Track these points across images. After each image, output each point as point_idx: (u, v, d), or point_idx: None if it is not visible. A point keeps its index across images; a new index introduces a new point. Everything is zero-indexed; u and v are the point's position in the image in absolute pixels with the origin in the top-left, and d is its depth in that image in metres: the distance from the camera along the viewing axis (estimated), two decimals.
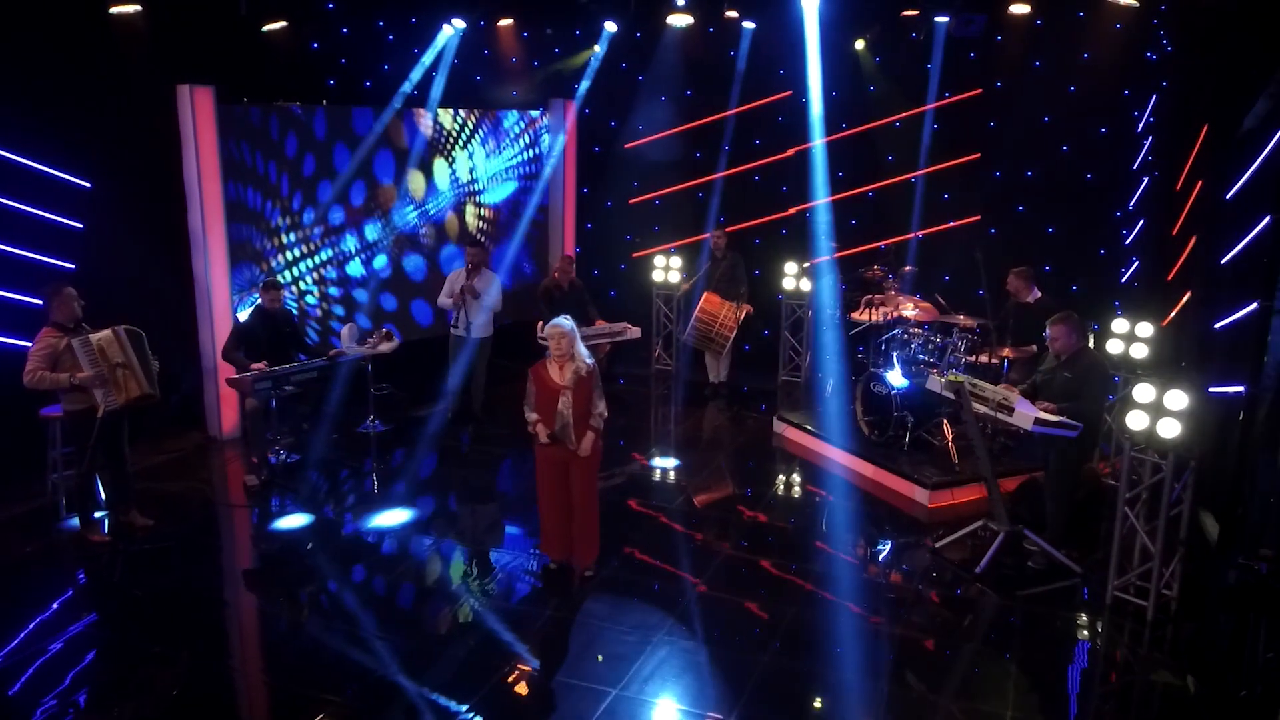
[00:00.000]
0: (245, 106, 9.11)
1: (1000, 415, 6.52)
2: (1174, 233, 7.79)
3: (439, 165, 10.82)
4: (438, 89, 10.25)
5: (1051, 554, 6.76)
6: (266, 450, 8.34)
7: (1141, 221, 9.17)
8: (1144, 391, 5.96)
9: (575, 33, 11.49)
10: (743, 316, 10.44)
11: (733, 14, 9.73)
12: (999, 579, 6.68)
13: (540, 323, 10.43)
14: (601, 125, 11.94)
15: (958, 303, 9.15)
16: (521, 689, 5.49)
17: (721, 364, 10.92)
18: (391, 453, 9.24)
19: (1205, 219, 6.12)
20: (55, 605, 6.34)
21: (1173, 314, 7.46)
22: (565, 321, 6.31)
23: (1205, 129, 6.56)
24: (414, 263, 10.82)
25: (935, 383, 7.22)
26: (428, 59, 10.02)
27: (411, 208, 10.65)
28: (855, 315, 10.03)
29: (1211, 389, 5.67)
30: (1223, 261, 5.61)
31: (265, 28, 9.30)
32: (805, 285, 10.96)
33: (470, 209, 11.29)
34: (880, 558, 7.31)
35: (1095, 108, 10.02)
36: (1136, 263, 9.23)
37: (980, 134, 10.50)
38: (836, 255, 10.38)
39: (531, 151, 11.81)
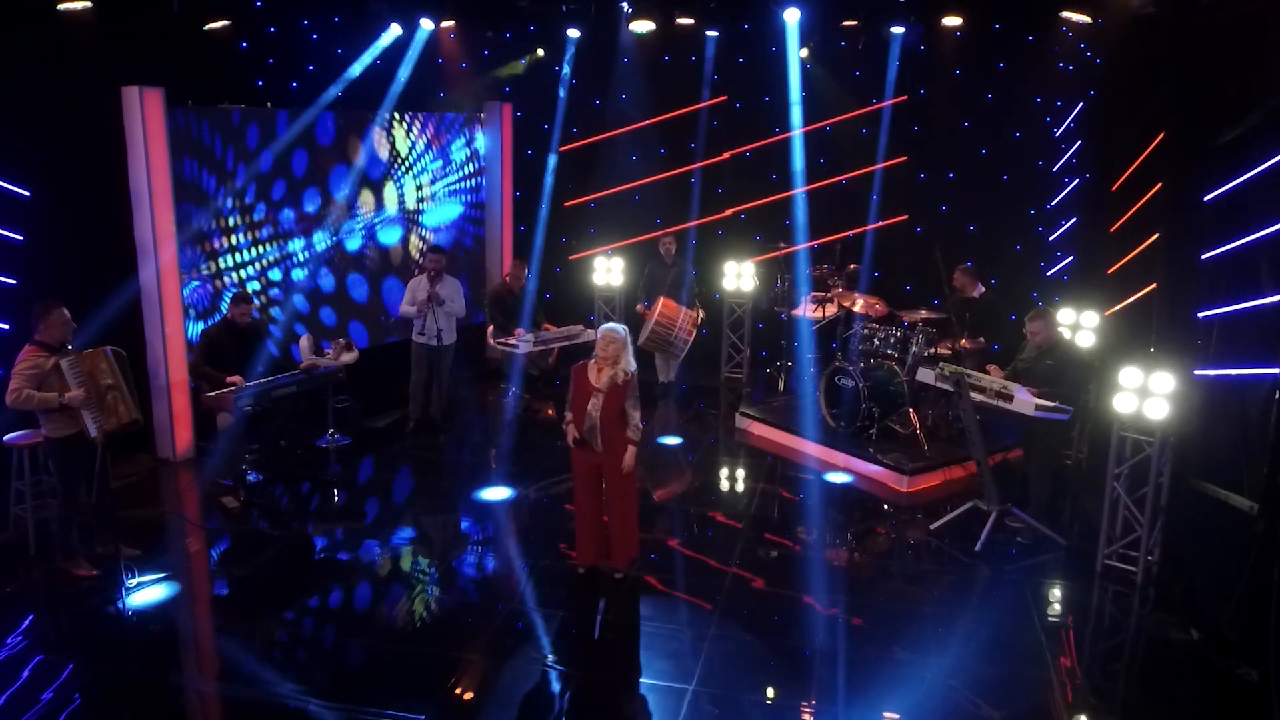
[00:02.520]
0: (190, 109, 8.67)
1: (999, 403, 7.01)
2: (1112, 230, 8.55)
3: (383, 167, 10.59)
4: (381, 90, 10.03)
5: (1038, 528, 7.34)
6: (242, 469, 7.99)
7: (1074, 219, 9.97)
8: (1131, 375, 6.59)
9: (505, 35, 11.47)
10: (698, 320, 10.67)
11: (686, 21, 9.93)
12: (994, 555, 7.19)
13: (490, 327, 10.44)
14: (534, 128, 11.95)
15: (888, 297, 9.74)
16: (602, 693, 5.54)
17: (671, 364, 11.13)
18: (364, 465, 9.00)
19: (1174, 219, 6.79)
20: (61, 648, 5.90)
21: (1119, 304, 8.20)
22: (620, 327, 6.36)
23: (1161, 136, 7.27)
24: (356, 282, 10.56)
25: (928, 375, 7.67)
26: (365, 61, 9.78)
27: (357, 215, 10.38)
28: (797, 311, 10.51)
29: (1197, 372, 6.32)
30: (1204, 257, 6.27)
31: (206, 27, 8.84)
32: (745, 285, 11.32)
33: (411, 210, 11.10)
34: (885, 543, 7.67)
35: (1010, 114, 10.83)
36: (1071, 258, 10.02)
37: (906, 138, 11.12)
38: (779, 253, 10.75)
39: (466, 152, 11.69)
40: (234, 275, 9.26)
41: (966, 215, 11.09)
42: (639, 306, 10.87)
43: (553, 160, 11.70)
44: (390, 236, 10.88)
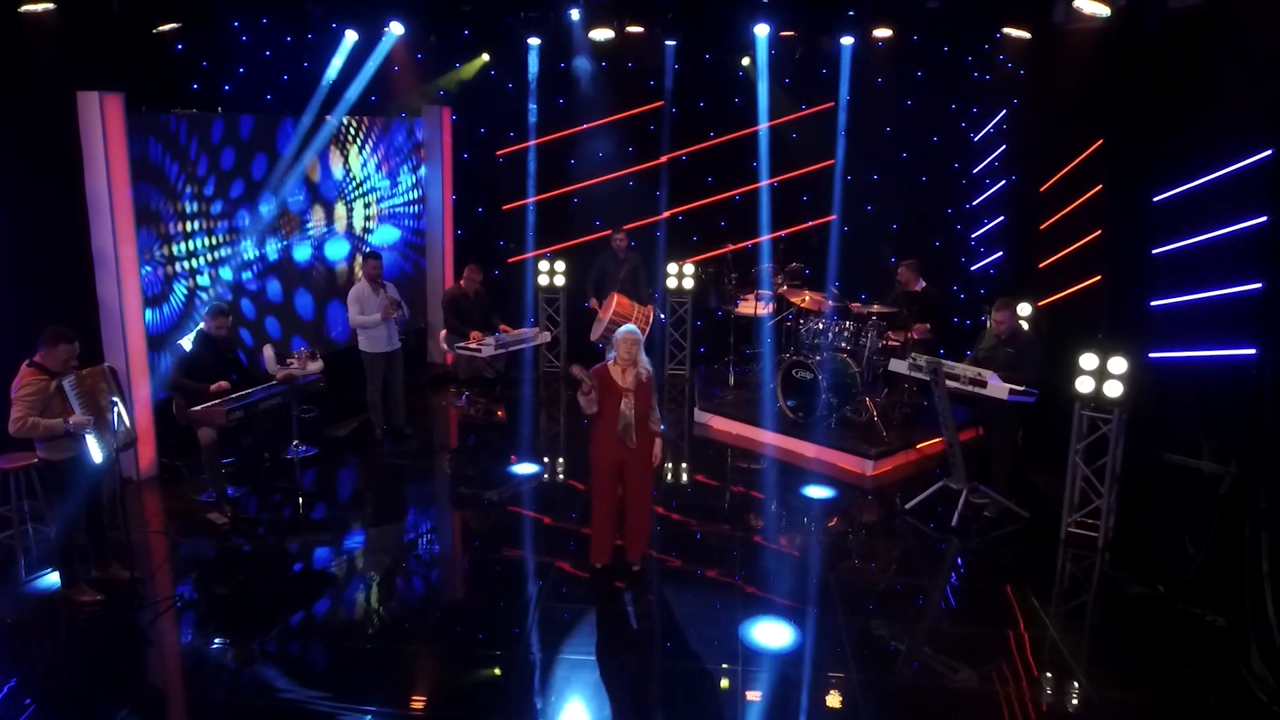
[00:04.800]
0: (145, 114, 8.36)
1: (973, 389, 7.60)
2: (1042, 228, 9.34)
3: (329, 172, 10.44)
4: (327, 95, 9.91)
5: (1003, 503, 8.00)
6: (226, 483, 7.80)
7: (1001, 218, 10.78)
8: (1089, 359, 7.30)
9: (450, 40, 11.42)
10: (650, 317, 10.94)
11: (636, 29, 10.19)
12: (967, 529, 7.81)
13: (444, 331, 10.44)
14: (470, 132, 11.99)
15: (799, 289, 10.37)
16: (674, 681, 5.76)
17: None
18: (341, 476, 8.96)
19: (1121, 218, 7.55)
20: (93, 686, 5.70)
21: (1056, 296, 8.98)
22: (635, 329, 6.59)
23: (1100, 143, 8.04)
24: (302, 292, 10.38)
25: (900, 365, 8.21)
26: (334, 67, 9.71)
27: (306, 221, 10.22)
28: (745, 309, 10.96)
29: (1151, 355, 7.07)
30: (1154, 253, 7.02)
31: (155, 31, 8.54)
32: (686, 284, 11.71)
33: (359, 216, 10.98)
34: (866, 523, 8.14)
35: (927, 120, 11.59)
36: (1001, 253, 10.82)
37: (833, 142, 11.71)
38: (725, 250, 11.20)
39: (403, 155, 11.64)
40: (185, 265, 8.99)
41: (890, 215, 11.80)
42: (592, 301, 11.09)
43: (532, 161, 11.89)
44: (337, 247, 10.75)
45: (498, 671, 5.76)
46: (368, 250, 10.77)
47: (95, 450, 6.16)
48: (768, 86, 10.94)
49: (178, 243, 8.77)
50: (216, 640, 6.10)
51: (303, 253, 10.28)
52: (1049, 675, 5.86)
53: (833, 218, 11.84)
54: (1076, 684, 5.77)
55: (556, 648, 6.00)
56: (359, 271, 10.15)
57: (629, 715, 5.44)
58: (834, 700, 5.53)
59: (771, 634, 6.19)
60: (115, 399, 6.26)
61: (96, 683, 5.63)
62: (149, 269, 8.45)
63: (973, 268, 11.40)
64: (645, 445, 6.69)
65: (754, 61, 10.87)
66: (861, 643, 6.12)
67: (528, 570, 7.14)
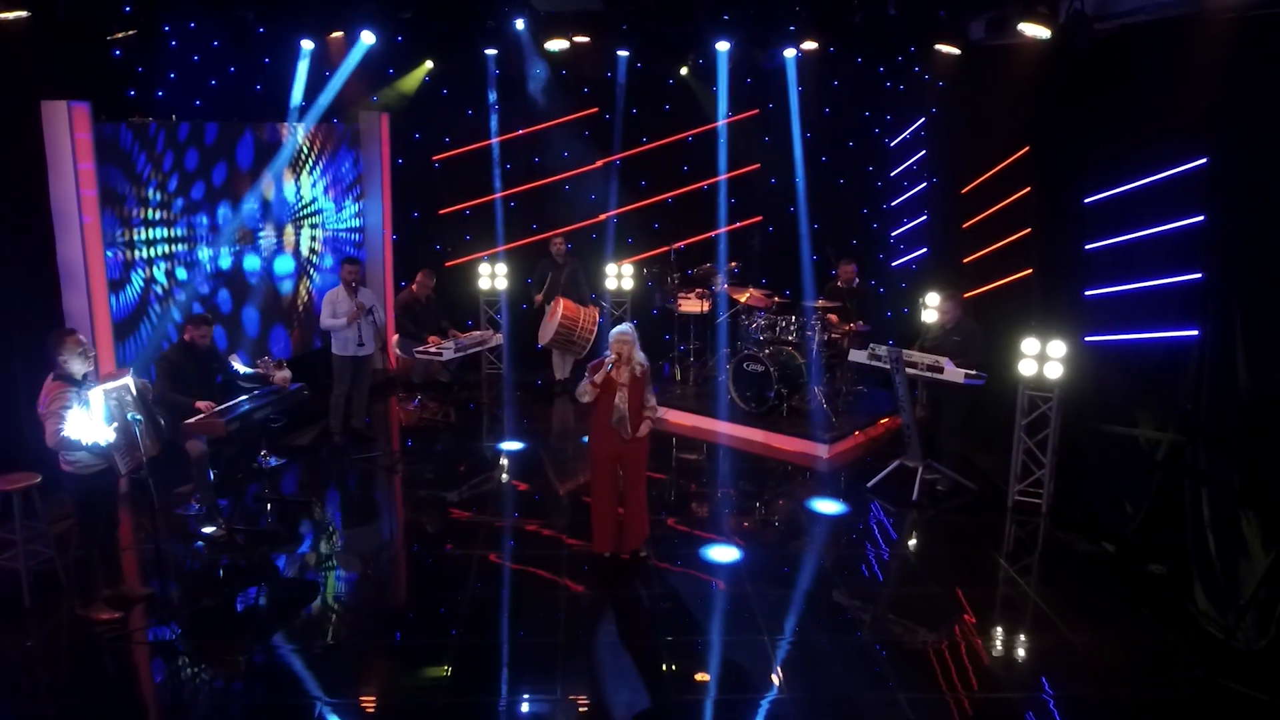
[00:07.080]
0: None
1: (930, 374, 8.33)
2: (965, 227, 10.22)
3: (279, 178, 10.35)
4: (279, 103, 9.88)
5: (954, 477, 8.78)
6: (215, 495, 7.74)
7: (923, 217, 11.64)
8: (1030, 344, 8.15)
9: (362, 33, 11.38)
10: (596, 319, 11.28)
11: (582, 39, 10.50)
12: (924, 502, 8.55)
13: (395, 336, 10.53)
14: (405, 137, 12.03)
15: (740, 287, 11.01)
16: (699, 658, 6.18)
17: (567, 362, 11.69)
18: (319, 482, 9.01)
19: (1052, 217, 8.42)
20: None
21: (983, 288, 9.84)
22: (628, 328, 6.98)
23: (1026, 149, 8.92)
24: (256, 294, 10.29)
25: (860, 355, 8.87)
26: (300, 77, 9.73)
27: (259, 228, 10.13)
28: (690, 307, 11.45)
29: (1087, 339, 7.95)
30: (1088, 248, 7.89)
31: (109, 38, 8.35)
32: (626, 284, 12.12)
33: (305, 226, 10.91)
34: (839, 505, 8.67)
35: (843, 126, 12.39)
36: (925, 250, 11.68)
37: (758, 147, 12.36)
38: (666, 249, 11.68)
39: (347, 163, 11.62)
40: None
41: (811, 214, 12.50)
42: (537, 297, 11.41)
43: (470, 165, 12.07)
44: (285, 262, 10.68)
45: (537, 660, 6.06)
46: (346, 256, 10.73)
47: (121, 465, 6.12)
48: (721, 95, 11.50)
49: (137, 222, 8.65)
50: (253, 651, 6.16)
51: (251, 262, 10.19)
52: (1029, 623, 6.62)
53: (759, 219, 12.54)
54: (1055, 630, 6.51)
55: (581, 634, 6.35)
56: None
57: (654, 687, 5.84)
58: (851, 661, 6.10)
59: (778, 607, 6.71)
60: (139, 416, 6.19)
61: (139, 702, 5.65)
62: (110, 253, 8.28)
63: (894, 264, 12.26)
64: (643, 438, 7.09)
65: (700, 73, 11.42)
66: (860, 607, 6.73)
67: (528, 568, 7.38)
